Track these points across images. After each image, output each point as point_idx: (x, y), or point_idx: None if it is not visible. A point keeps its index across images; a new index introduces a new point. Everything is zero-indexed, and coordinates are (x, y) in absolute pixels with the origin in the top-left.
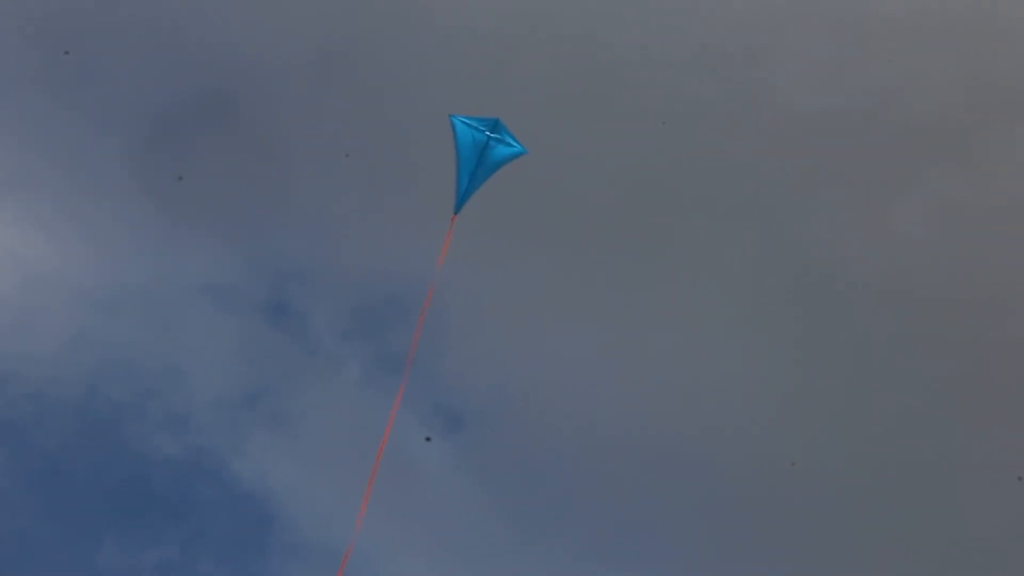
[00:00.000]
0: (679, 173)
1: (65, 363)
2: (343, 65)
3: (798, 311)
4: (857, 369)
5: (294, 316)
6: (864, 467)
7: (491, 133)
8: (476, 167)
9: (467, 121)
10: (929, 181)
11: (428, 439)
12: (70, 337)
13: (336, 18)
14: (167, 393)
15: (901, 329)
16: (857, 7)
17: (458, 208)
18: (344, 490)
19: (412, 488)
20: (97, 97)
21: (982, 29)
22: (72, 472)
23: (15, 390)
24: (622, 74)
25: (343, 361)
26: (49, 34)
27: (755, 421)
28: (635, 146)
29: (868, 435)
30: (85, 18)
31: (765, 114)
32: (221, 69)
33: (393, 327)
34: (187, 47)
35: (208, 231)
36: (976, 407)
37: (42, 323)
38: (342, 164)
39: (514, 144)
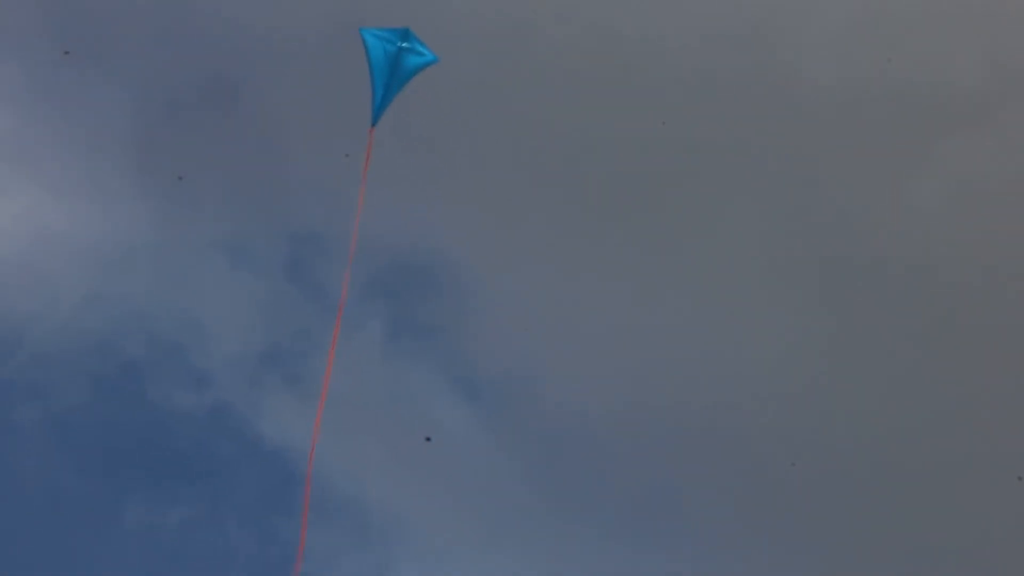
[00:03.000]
0: (696, 147)
1: (80, 320)
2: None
3: (815, 284)
4: (874, 343)
5: (311, 274)
6: (875, 449)
7: (402, 43)
8: (390, 78)
9: (377, 33)
10: (946, 155)
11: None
12: (83, 295)
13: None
14: (185, 349)
15: (917, 303)
16: None
17: (375, 120)
18: (366, 449)
19: (437, 458)
20: (104, 62)
21: (1000, 4)
22: (93, 430)
23: (31, 349)
24: (637, 47)
25: (363, 320)
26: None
27: (774, 393)
28: (651, 120)
29: (882, 410)
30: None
31: (781, 87)
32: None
33: (413, 289)
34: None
35: (220, 190)
36: (979, 405)
37: (54, 282)
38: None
39: (425, 53)
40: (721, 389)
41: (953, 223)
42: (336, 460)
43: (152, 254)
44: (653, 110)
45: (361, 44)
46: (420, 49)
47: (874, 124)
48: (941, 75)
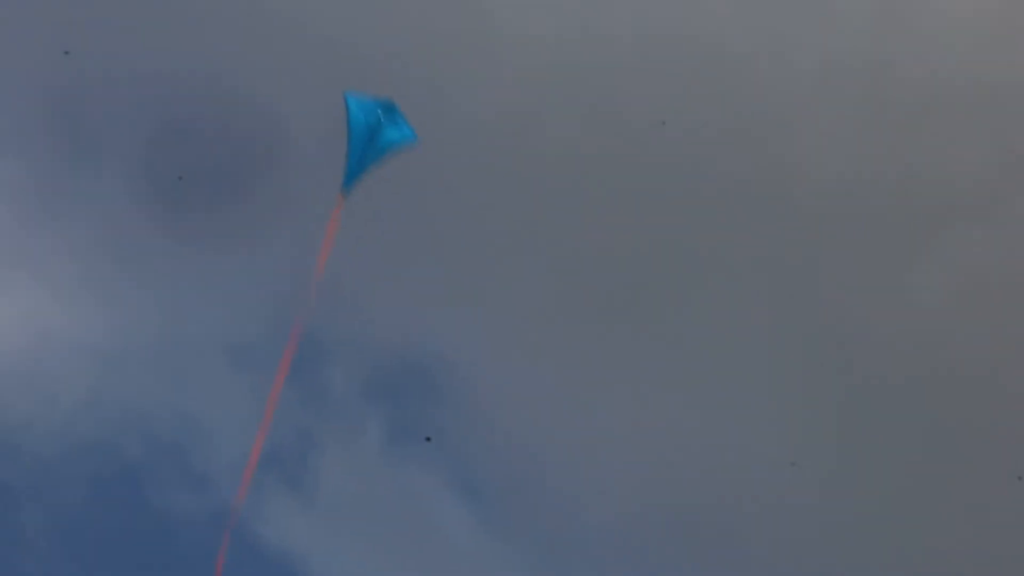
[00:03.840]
0: (699, 241)
1: (80, 421)
2: None
3: (817, 378)
4: (876, 435)
5: (310, 375)
6: (880, 545)
7: (383, 114)
8: (366, 147)
9: (361, 100)
10: (947, 248)
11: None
12: (84, 394)
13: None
14: (185, 450)
15: (919, 397)
16: (876, 77)
17: (345, 187)
18: (367, 552)
19: (438, 559)
20: (103, 160)
21: (1001, 97)
22: (93, 530)
23: (30, 451)
24: (642, 142)
25: (363, 422)
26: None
27: (777, 491)
28: (654, 215)
29: (888, 506)
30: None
31: (784, 182)
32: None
33: (413, 391)
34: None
35: (222, 286)
36: (985, 499)
37: (54, 382)
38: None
39: (405, 130)
40: (722, 487)
41: (956, 316)
42: (337, 562)
43: (152, 354)
44: (654, 208)
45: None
46: (400, 124)
47: (875, 218)
48: (942, 167)
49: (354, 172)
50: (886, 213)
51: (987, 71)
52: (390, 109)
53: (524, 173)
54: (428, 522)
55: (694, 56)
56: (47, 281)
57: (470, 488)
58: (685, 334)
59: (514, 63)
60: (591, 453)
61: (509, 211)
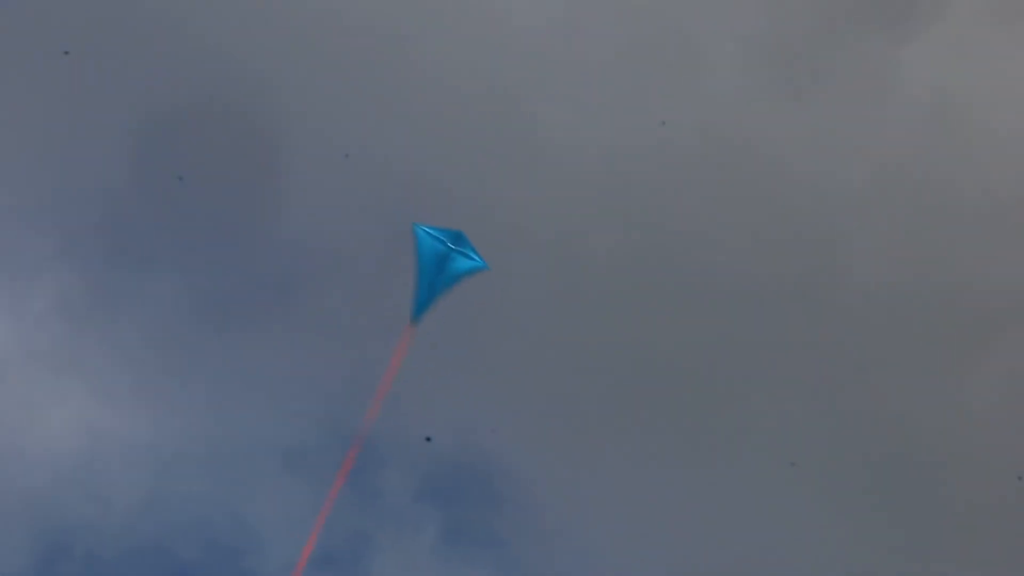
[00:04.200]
0: (747, 347)
1: (135, 525)
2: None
3: (868, 484)
4: (934, 544)
5: (365, 478)
6: None
7: (453, 245)
8: (436, 277)
9: (430, 231)
10: (1001, 354)
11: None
12: (139, 497)
13: None
14: (241, 553)
15: (977, 501)
16: (927, 185)
17: (415, 317)
18: None
19: None
20: (154, 261)
21: None
22: None
23: (86, 555)
24: (694, 249)
25: (418, 524)
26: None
27: None
28: (705, 322)
29: None
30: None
31: (834, 289)
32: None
33: (468, 494)
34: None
35: (276, 390)
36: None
37: (109, 487)
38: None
39: (475, 258)
40: None
41: (1008, 422)
42: None
43: (206, 457)
44: (707, 316)
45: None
46: (471, 254)
47: (925, 325)
48: (993, 274)
49: (424, 302)
50: (937, 320)
51: None
52: (459, 239)
53: (573, 283)
54: None
55: (746, 164)
56: (101, 385)
57: None
58: (734, 440)
59: (560, 175)
60: (643, 559)
61: (558, 320)
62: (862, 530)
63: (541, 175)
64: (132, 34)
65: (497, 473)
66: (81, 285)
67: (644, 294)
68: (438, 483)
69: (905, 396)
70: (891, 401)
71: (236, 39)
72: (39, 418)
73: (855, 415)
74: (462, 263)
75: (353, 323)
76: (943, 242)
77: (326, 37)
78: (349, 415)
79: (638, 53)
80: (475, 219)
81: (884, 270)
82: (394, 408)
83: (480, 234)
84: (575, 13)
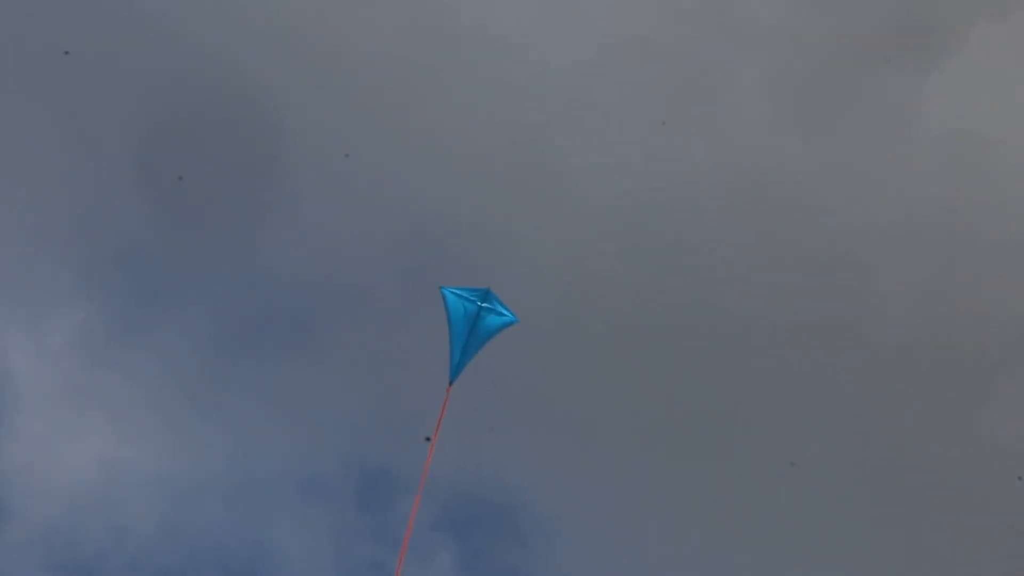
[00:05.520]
0: (778, 386)
1: (152, 553)
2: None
3: (896, 518)
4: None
5: (381, 507)
6: None
7: (482, 303)
8: (469, 336)
9: (458, 292)
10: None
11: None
12: (156, 525)
13: None
14: None
15: (999, 536)
16: (955, 223)
17: (452, 378)
18: None
19: None
20: (173, 299)
21: None
22: None
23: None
24: (718, 286)
25: (434, 553)
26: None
27: None
28: (733, 360)
29: None
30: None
31: (862, 324)
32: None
33: (482, 526)
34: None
35: (293, 420)
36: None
37: (126, 515)
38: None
39: (505, 313)
40: None
41: None
42: None
43: (223, 486)
44: (729, 348)
45: (441, 297)
46: (500, 310)
47: (950, 358)
48: (1019, 309)
49: (460, 362)
50: (961, 353)
51: None
52: (487, 296)
53: (598, 323)
54: None
55: (775, 201)
56: (120, 416)
57: None
58: (763, 473)
59: (583, 216)
60: None
61: (582, 358)
62: (888, 557)
63: (564, 216)
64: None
65: (516, 506)
66: (101, 317)
67: (669, 333)
68: (456, 514)
69: (930, 425)
70: (916, 429)
71: (263, 68)
72: (58, 449)
73: (880, 445)
74: (493, 320)
75: (372, 359)
76: (967, 277)
77: (353, 81)
78: (365, 448)
79: (660, 92)
80: (499, 262)
81: (911, 304)
82: (413, 437)
83: (503, 277)
84: (597, 55)
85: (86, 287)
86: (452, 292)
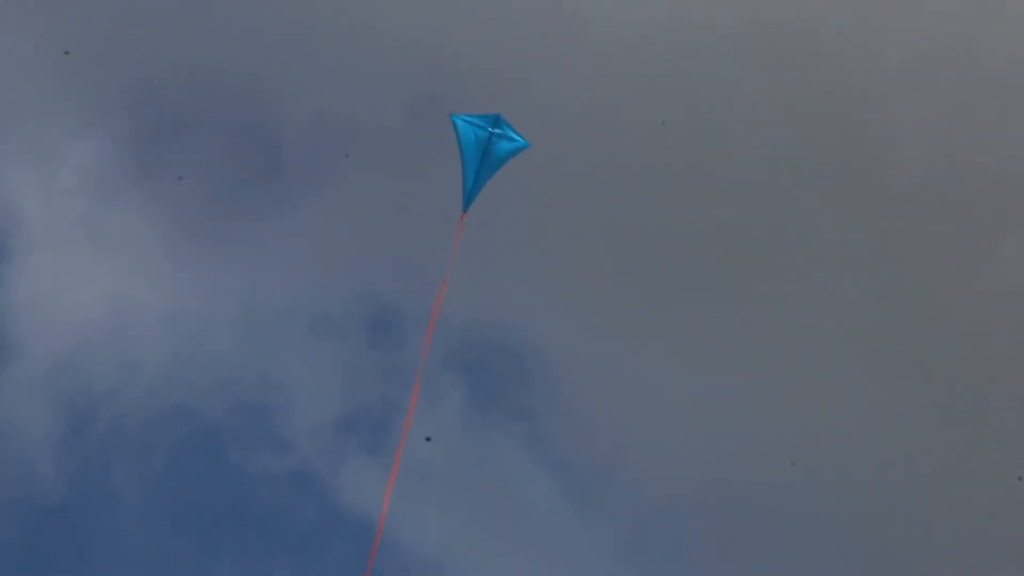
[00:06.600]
0: (787, 226)
1: (162, 387)
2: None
3: (901, 359)
4: (967, 416)
5: (391, 341)
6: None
7: (493, 129)
8: (481, 164)
9: (468, 119)
10: None
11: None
12: (164, 362)
13: None
14: (267, 414)
15: (1008, 372)
16: (967, 64)
17: (466, 206)
18: (449, 518)
19: (512, 522)
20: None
21: None
22: (177, 492)
23: (114, 417)
24: (729, 124)
25: (446, 393)
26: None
27: (847, 466)
28: (741, 197)
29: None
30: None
31: (871, 165)
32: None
33: (493, 364)
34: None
35: (305, 259)
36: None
37: (136, 350)
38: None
39: (516, 138)
40: (799, 461)
41: None
42: (414, 529)
43: (234, 322)
44: (745, 190)
45: (452, 129)
46: (511, 134)
47: (961, 201)
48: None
49: (473, 190)
50: (973, 196)
51: None
52: (497, 122)
53: (606, 159)
54: (505, 490)
55: (786, 43)
56: (130, 252)
57: (547, 458)
58: (767, 313)
59: (594, 49)
60: (671, 430)
61: (591, 197)
62: (888, 396)
63: (575, 49)
64: None
65: (526, 349)
66: (112, 154)
67: (680, 170)
68: (465, 353)
69: (937, 269)
70: (924, 273)
71: None
72: (68, 286)
73: (886, 285)
74: (504, 145)
75: (383, 197)
76: (981, 120)
77: None
78: (376, 287)
79: None
80: (512, 97)
81: (922, 146)
82: (424, 280)
83: (516, 112)
84: None
85: (98, 123)
86: (462, 119)
